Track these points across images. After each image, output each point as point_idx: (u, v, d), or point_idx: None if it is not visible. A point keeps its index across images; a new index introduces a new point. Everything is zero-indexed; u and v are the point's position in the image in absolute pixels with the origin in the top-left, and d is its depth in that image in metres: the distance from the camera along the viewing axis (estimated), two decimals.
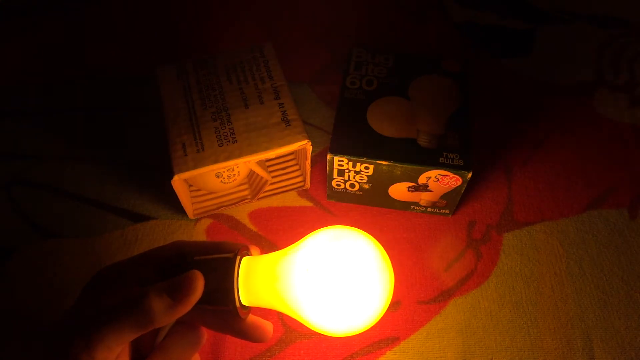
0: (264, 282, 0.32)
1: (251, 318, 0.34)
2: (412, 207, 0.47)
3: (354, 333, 0.34)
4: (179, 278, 0.29)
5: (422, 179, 0.43)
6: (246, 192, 0.49)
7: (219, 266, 0.31)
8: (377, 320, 0.34)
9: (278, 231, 0.47)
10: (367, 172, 0.43)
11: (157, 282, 0.29)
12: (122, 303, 0.28)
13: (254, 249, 0.35)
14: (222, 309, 0.32)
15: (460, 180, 0.42)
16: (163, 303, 0.28)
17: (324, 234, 0.34)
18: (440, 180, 0.42)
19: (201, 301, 0.30)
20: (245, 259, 0.33)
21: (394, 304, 0.43)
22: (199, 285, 0.29)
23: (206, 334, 0.34)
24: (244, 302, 0.32)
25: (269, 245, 0.46)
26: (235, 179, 0.46)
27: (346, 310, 0.32)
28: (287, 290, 0.32)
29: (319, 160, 0.52)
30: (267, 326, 0.34)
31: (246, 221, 0.48)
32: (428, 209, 0.47)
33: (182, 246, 0.33)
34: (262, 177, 0.47)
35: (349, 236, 0.34)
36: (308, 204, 0.49)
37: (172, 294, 0.28)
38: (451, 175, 0.42)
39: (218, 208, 0.48)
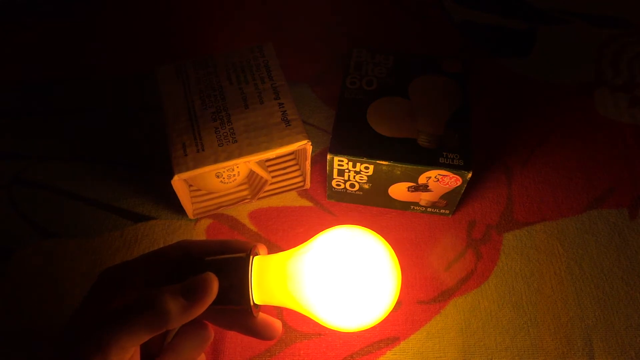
0: (277, 281, 0.32)
1: (261, 316, 0.34)
2: (412, 207, 0.47)
3: (363, 328, 0.34)
4: (194, 280, 0.29)
5: (422, 179, 0.43)
6: (246, 192, 0.49)
7: (233, 266, 0.32)
8: (386, 315, 0.34)
9: (278, 231, 0.47)
10: (367, 172, 0.43)
11: (164, 283, 0.29)
12: (137, 304, 0.28)
13: (261, 248, 0.35)
14: (236, 308, 0.32)
15: (460, 180, 0.42)
16: (178, 305, 0.28)
17: (335, 232, 0.34)
18: (440, 180, 0.42)
19: (215, 302, 0.30)
20: (256, 259, 0.33)
21: (394, 304, 0.43)
22: (214, 287, 0.30)
23: (213, 331, 0.34)
24: (256, 301, 0.32)
25: (269, 245, 0.46)
26: (235, 179, 0.46)
27: (358, 307, 0.33)
28: (300, 288, 0.32)
29: (319, 160, 0.52)
30: (277, 324, 0.35)
31: (246, 221, 0.48)
32: (428, 209, 0.47)
33: (188, 246, 0.33)
34: (262, 177, 0.47)
35: (359, 235, 0.34)
36: (308, 204, 0.49)
37: (187, 296, 0.29)
38: (451, 175, 0.42)
39: (218, 208, 0.48)
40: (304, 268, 0.32)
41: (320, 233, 0.35)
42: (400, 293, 0.43)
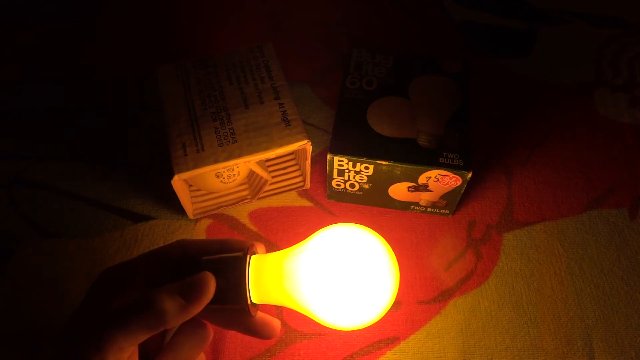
0: (274, 280, 0.32)
1: (260, 315, 0.34)
2: (412, 207, 0.47)
3: (361, 327, 0.34)
4: (191, 279, 0.29)
5: (422, 179, 0.43)
6: (246, 192, 0.49)
7: (230, 265, 0.32)
8: (384, 314, 0.34)
9: (278, 231, 0.47)
10: (367, 172, 0.43)
11: (164, 282, 0.29)
12: (134, 304, 0.28)
13: (259, 246, 0.35)
14: (234, 307, 0.32)
15: (460, 180, 0.42)
16: (175, 304, 0.28)
17: (331, 230, 0.34)
18: (440, 180, 0.42)
19: (212, 301, 0.30)
20: (254, 257, 0.33)
21: (394, 304, 0.43)
22: (211, 286, 0.30)
23: (212, 331, 0.34)
24: (254, 300, 0.32)
25: (269, 245, 0.46)
26: (235, 179, 0.46)
27: (355, 305, 0.32)
28: (297, 287, 0.32)
29: (319, 160, 0.52)
30: (275, 323, 0.35)
31: (246, 221, 0.48)
32: (428, 209, 0.47)
33: (187, 245, 0.33)
34: (262, 177, 0.47)
35: (356, 232, 0.34)
36: (308, 204, 0.49)
37: (184, 296, 0.29)
38: (451, 175, 0.42)
39: (218, 208, 0.48)
40: (301, 266, 0.32)
41: (317, 231, 0.35)
42: (400, 293, 0.43)
